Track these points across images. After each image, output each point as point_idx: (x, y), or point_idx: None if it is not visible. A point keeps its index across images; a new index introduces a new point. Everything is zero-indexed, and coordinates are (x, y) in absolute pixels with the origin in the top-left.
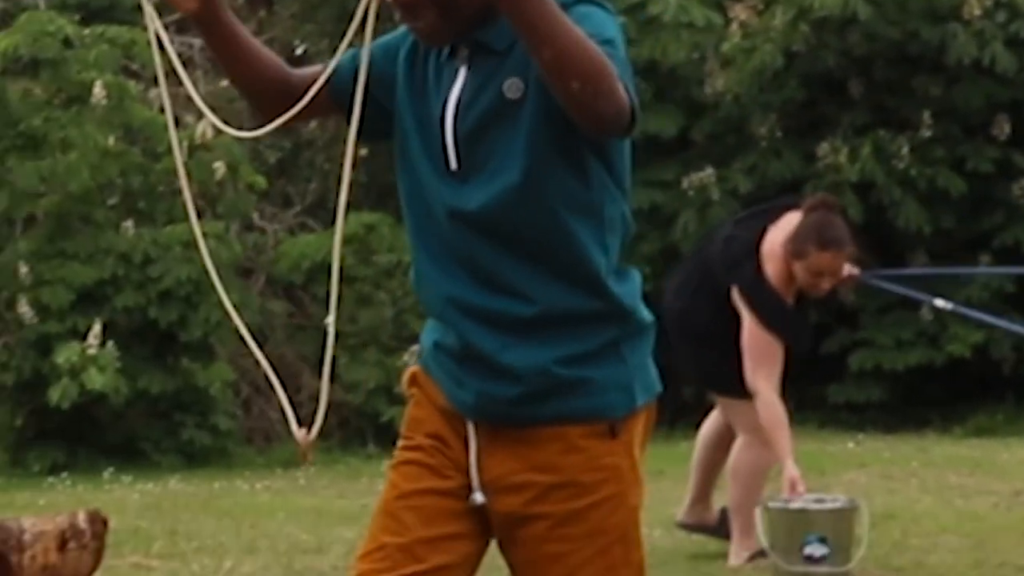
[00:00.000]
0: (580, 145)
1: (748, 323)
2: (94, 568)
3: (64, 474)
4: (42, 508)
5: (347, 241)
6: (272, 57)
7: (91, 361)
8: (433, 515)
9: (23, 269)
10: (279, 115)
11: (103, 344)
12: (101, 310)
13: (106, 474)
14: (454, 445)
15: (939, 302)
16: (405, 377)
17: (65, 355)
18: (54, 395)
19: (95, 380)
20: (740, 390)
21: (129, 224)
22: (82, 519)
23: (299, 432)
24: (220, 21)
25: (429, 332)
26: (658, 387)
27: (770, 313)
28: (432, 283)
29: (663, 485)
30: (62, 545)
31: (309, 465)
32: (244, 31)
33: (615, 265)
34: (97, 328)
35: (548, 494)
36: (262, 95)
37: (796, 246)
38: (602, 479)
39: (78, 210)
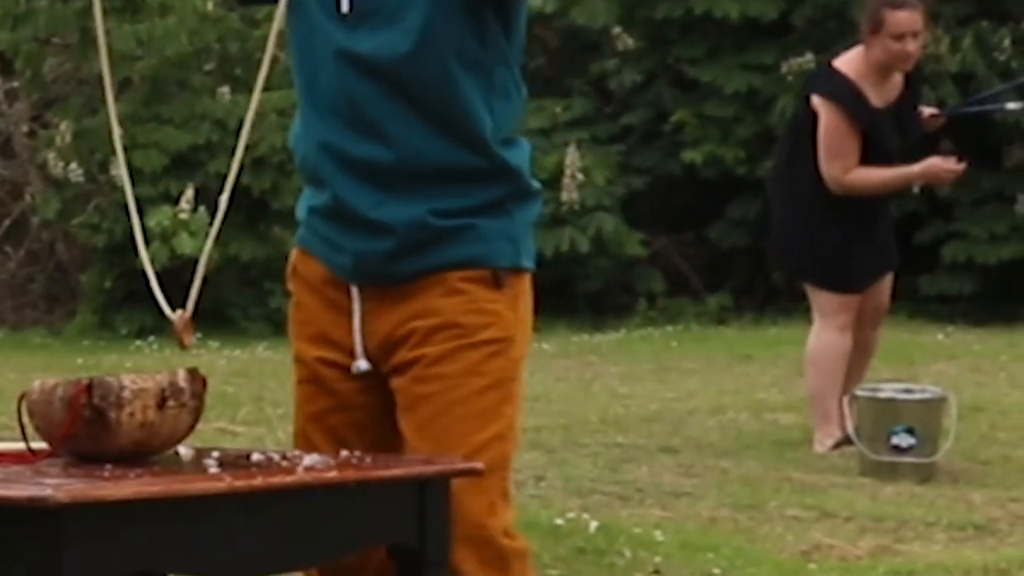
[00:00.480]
0: (484, 3)
1: (824, 117)
2: (192, 427)
3: (151, 338)
4: (128, 371)
5: None
6: None
7: (182, 225)
8: (342, 432)
9: (117, 130)
10: None
11: (195, 209)
12: (194, 175)
13: (194, 339)
14: (340, 334)
15: (1012, 105)
16: (288, 271)
17: (157, 219)
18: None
19: (186, 245)
20: (813, 274)
21: (225, 90)
22: (182, 377)
23: (172, 314)
24: None
25: (304, 202)
26: (534, 259)
27: (845, 99)
28: (310, 131)
29: (751, 369)
30: (161, 403)
31: (189, 348)
32: None
33: (504, 132)
34: (190, 193)
35: (429, 336)
36: None
37: (871, 21)
38: (484, 323)
39: (174, 74)
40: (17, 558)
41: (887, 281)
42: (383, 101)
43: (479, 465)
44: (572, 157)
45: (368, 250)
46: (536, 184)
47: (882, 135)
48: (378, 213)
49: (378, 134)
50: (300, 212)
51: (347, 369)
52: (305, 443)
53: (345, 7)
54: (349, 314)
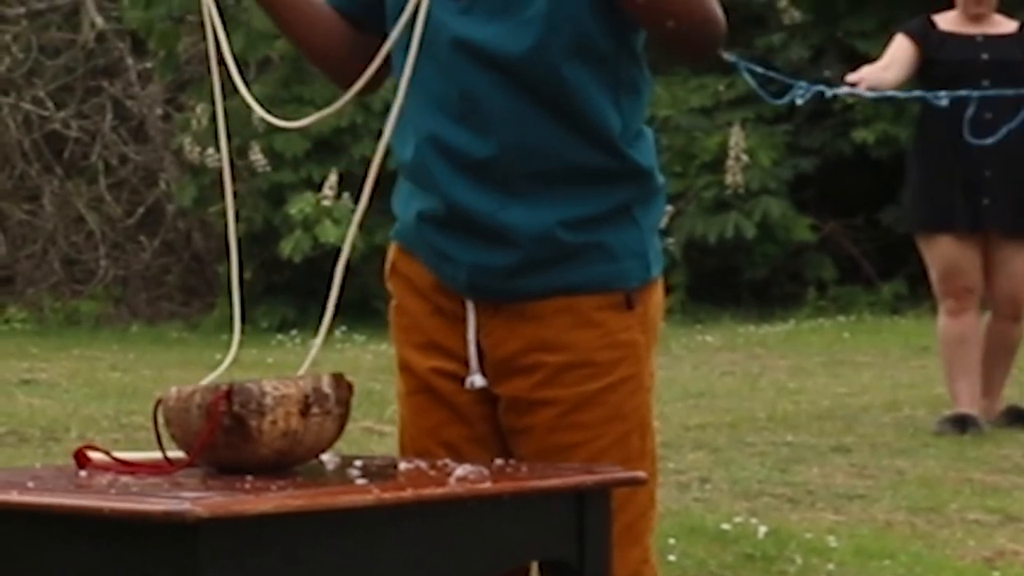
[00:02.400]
0: None
1: None
2: (337, 436)
3: (293, 331)
4: (270, 367)
5: None
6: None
7: (325, 213)
8: (460, 446)
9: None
10: (351, 79)
11: (338, 195)
12: (337, 160)
13: (338, 332)
14: (452, 343)
15: None
16: (386, 268)
17: (298, 206)
18: (286, 248)
19: (329, 233)
20: (909, 220)
21: None
22: (326, 383)
23: None
24: None
25: (408, 201)
26: (662, 260)
27: (911, 24)
28: (414, 126)
29: (928, 361)
30: (305, 410)
31: None
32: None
33: (632, 129)
34: (332, 178)
35: (559, 376)
36: (328, 60)
37: None
38: (619, 358)
39: None
40: (155, 575)
41: (1017, 266)
42: (501, 95)
43: (641, 474)
44: (736, 138)
45: (487, 264)
46: (661, 179)
47: (950, 55)
48: (500, 218)
49: (495, 131)
50: (401, 211)
51: (462, 380)
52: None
53: None
54: (462, 324)
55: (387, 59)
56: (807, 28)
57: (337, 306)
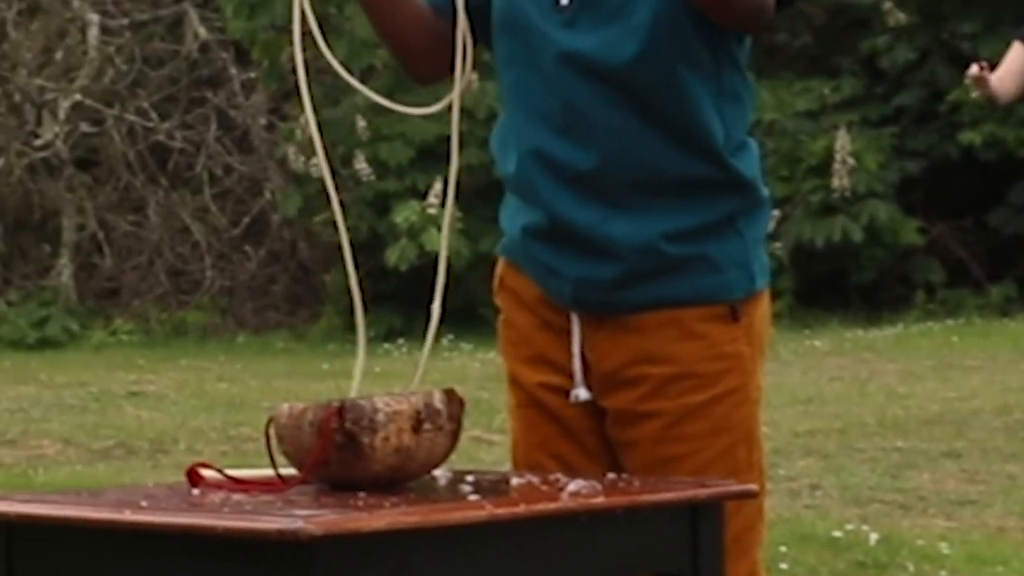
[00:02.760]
0: None
1: None
2: (449, 451)
3: (400, 340)
4: (377, 376)
5: None
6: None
7: (431, 221)
8: (571, 459)
9: (360, 123)
10: (430, 69)
11: (443, 204)
12: (442, 167)
13: (445, 341)
14: (558, 356)
15: None
16: (495, 283)
17: (404, 214)
18: (391, 256)
19: (435, 241)
20: None
21: (474, 77)
22: (438, 399)
23: None
24: None
25: (514, 216)
26: (769, 273)
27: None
28: (519, 138)
29: None
30: (417, 426)
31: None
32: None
33: (736, 139)
34: (438, 187)
35: (664, 388)
36: (410, 50)
37: None
38: (724, 369)
39: None
40: None
41: None
42: (605, 105)
43: (753, 487)
44: (842, 141)
45: (591, 276)
46: (765, 191)
47: None
48: (603, 230)
49: (598, 142)
50: (508, 225)
51: (568, 393)
52: (532, 471)
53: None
54: (567, 335)
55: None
56: (912, 30)
57: (442, 315)
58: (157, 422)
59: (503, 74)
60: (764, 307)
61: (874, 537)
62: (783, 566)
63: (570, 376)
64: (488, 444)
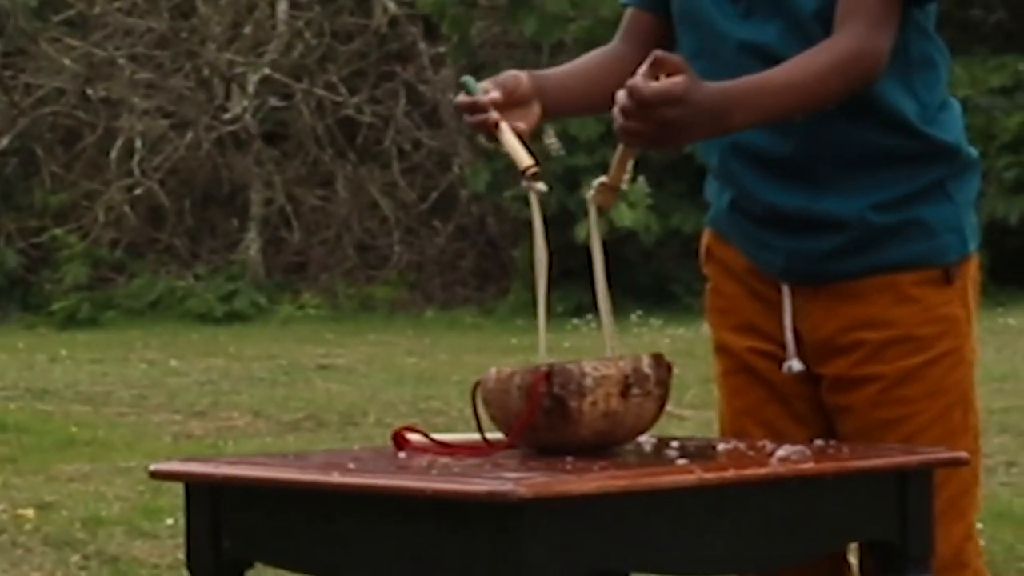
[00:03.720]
0: None
1: None
2: (656, 416)
3: (588, 316)
4: (566, 351)
5: None
6: (609, 68)
7: (620, 196)
8: (779, 424)
9: None
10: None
11: (633, 179)
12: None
13: (634, 316)
14: (770, 326)
15: None
16: (701, 253)
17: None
18: (581, 232)
19: (624, 217)
20: None
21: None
22: (646, 363)
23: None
24: (550, 95)
25: (720, 192)
26: (978, 234)
27: None
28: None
29: None
30: (625, 391)
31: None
32: (574, 77)
33: (932, 106)
34: (628, 163)
35: (881, 352)
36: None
37: None
38: (940, 332)
39: (609, 36)
40: (476, 555)
41: None
42: None
43: (963, 454)
44: None
45: (803, 248)
46: (974, 152)
47: None
48: (814, 210)
49: (792, 128)
50: (714, 199)
51: (779, 361)
52: (739, 438)
53: None
54: (778, 308)
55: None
56: None
57: (632, 291)
58: (347, 395)
59: (686, 52)
60: (975, 270)
61: None
62: (979, 543)
63: (781, 345)
64: (679, 419)
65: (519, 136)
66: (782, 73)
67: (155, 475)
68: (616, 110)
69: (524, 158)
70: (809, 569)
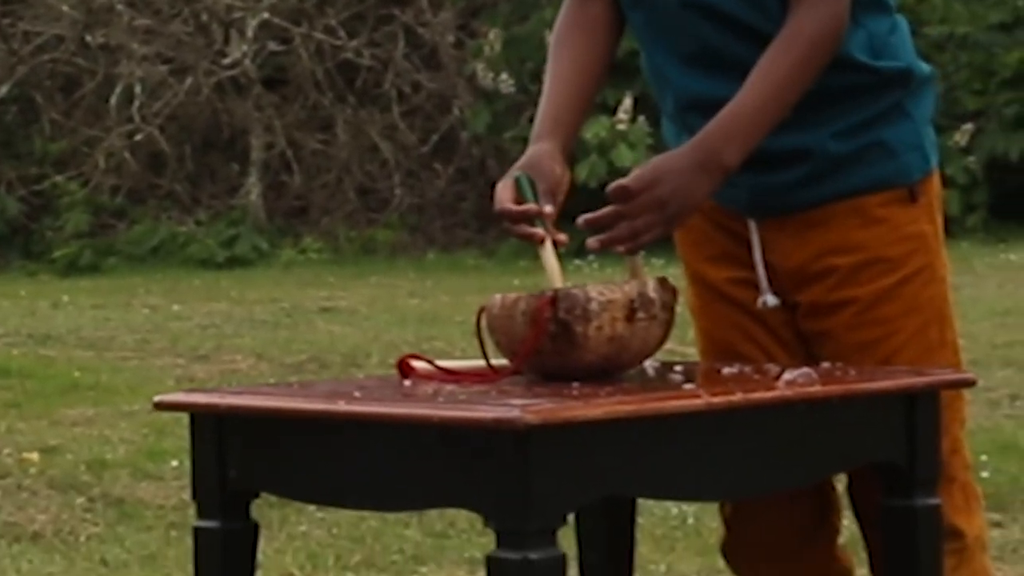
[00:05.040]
0: None
1: None
2: (662, 341)
3: (591, 256)
4: None
5: None
6: (595, 73)
7: (620, 137)
8: (772, 350)
9: (549, 39)
10: None
11: (634, 119)
12: (632, 83)
13: (637, 257)
14: (743, 256)
15: None
16: None
17: (593, 130)
18: (581, 172)
19: (625, 157)
20: None
21: None
22: (652, 288)
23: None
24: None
25: (678, 135)
26: (937, 149)
27: None
28: (674, 82)
29: None
30: (630, 315)
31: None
32: (576, 115)
33: (881, 37)
34: (628, 102)
35: (853, 276)
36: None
37: None
38: (910, 250)
39: None
40: (482, 482)
41: None
42: (737, 41)
43: (971, 376)
44: None
45: (766, 183)
46: (926, 67)
47: None
48: (772, 147)
49: (733, 71)
50: (671, 140)
51: (758, 289)
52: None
53: None
54: (747, 241)
55: None
56: None
57: None
58: (349, 337)
59: (631, 15)
60: (938, 185)
61: None
62: (984, 475)
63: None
64: (682, 357)
65: (557, 253)
66: (752, 92)
67: (159, 406)
68: (593, 224)
69: (557, 281)
70: (795, 492)
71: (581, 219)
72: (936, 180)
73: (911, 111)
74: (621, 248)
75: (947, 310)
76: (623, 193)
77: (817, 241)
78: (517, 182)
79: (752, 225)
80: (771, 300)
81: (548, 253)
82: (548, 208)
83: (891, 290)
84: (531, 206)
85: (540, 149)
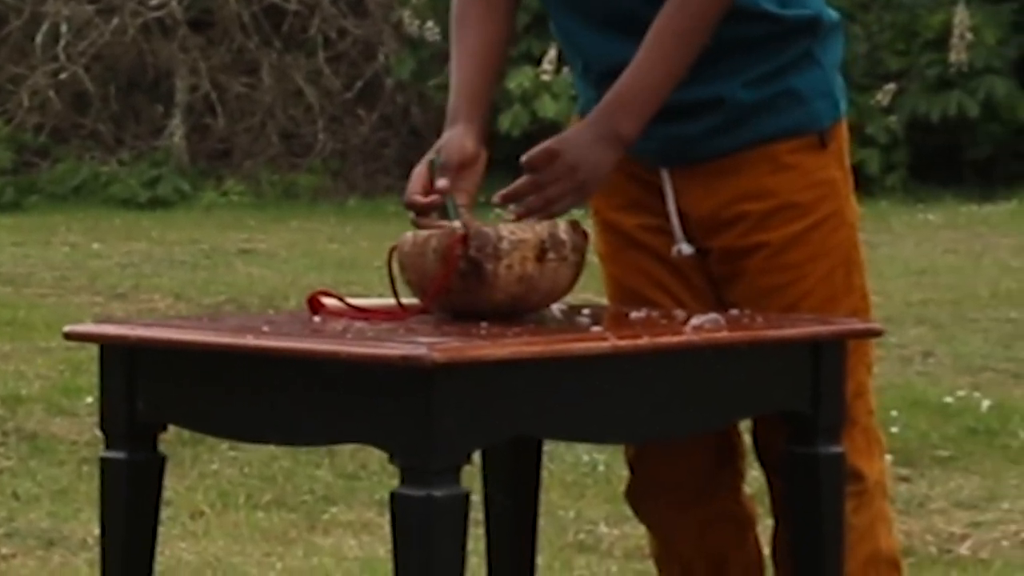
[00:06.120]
0: None
1: None
2: (572, 283)
3: (511, 206)
4: None
5: None
6: (501, 46)
7: (544, 88)
8: (682, 297)
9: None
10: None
11: (558, 70)
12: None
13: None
14: (654, 205)
15: None
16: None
17: (517, 80)
18: (504, 122)
19: (548, 108)
20: None
21: None
22: (563, 229)
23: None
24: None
25: (587, 88)
26: (846, 95)
27: None
28: (586, 48)
29: None
30: (541, 255)
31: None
32: (488, 89)
33: None
34: (552, 53)
35: (765, 221)
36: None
37: None
38: (820, 196)
39: None
40: (388, 419)
41: None
42: (648, 3)
43: (877, 326)
44: (961, 16)
45: (677, 133)
46: (834, 14)
47: None
48: (683, 97)
49: (644, 30)
50: (580, 91)
51: (671, 235)
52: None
53: None
54: (658, 189)
55: None
56: None
57: None
58: (268, 279)
59: None
60: (846, 131)
61: (986, 404)
62: (894, 430)
63: (668, 220)
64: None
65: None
66: (646, 59)
67: (70, 336)
68: (511, 198)
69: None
70: (702, 439)
71: (496, 196)
72: (844, 127)
73: (820, 58)
74: (536, 217)
75: (855, 255)
76: (533, 163)
77: (729, 188)
78: (431, 166)
79: (664, 174)
80: (686, 248)
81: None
82: (462, 200)
83: (801, 235)
84: (435, 197)
85: (457, 132)
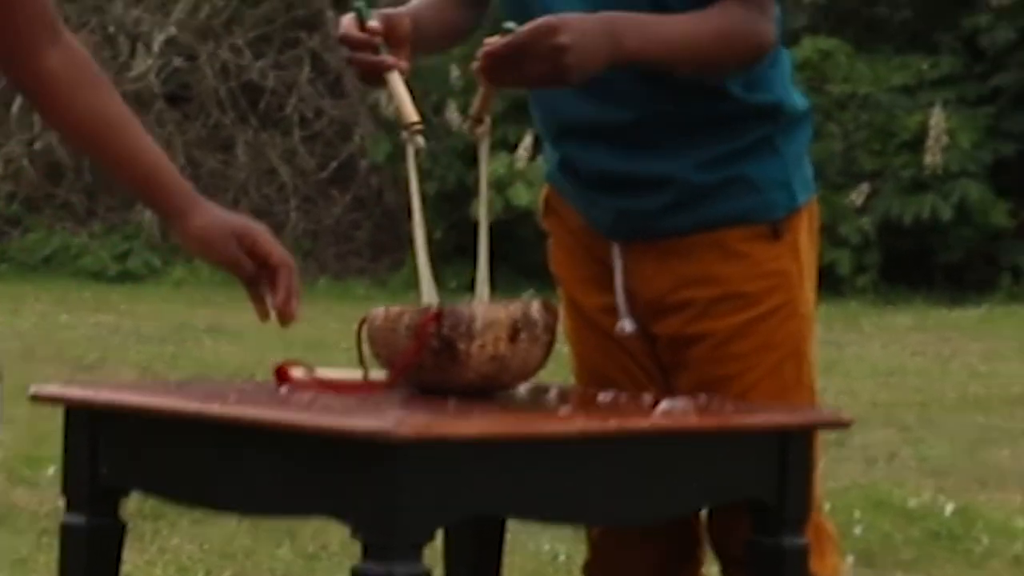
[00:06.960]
0: None
1: None
2: (542, 363)
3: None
4: None
5: (799, 67)
6: (458, 17)
7: (519, 175)
8: (641, 381)
9: (454, 72)
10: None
11: (533, 158)
12: (533, 121)
13: (525, 296)
14: (608, 283)
15: None
16: (540, 207)
17: (492, 167)
18: (477, 209)
19: (521, 196)
20: None
21: None
22: (535, 309)
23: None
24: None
25: (552, 152)
26: (814, 185)
27: None
28: (558, 103)
29: None
30: (513, 336)
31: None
32: (429, 24)
33: (762, 67)
34: (528, 140)
35: (710, 309)
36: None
37: None
38: (769, 287)
39: None
40: (352, 492)
41: None
42: (620, 73)
43: (846, 417)
44: (937, 118)
45: (630, 207)
46: (803, 102)
47: None
48: (636, 172)
49: (615, 96)
50: (546, 157)
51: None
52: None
53: None
54: (609, 269)
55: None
56: (1015, 10)
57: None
58: (235, 356)
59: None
60: (808, 219)
61: (950, 508)
62: (856, 531)
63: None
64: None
65: (408, 86)
66: (675, 21)
67: (36, 398)
68: (493, 56)
69: (411, 112)
70: (664, 526)
71: (482, 49)
72: (806, 215)
73: (780, 147)
74: (505, 82)
75: (806, 348)
76: (526, 33)
77: (677, 271)
78: (357, 10)
79: (616, 249)
80: (628, 326)
81: (396, 83)
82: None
83: (747, 326)
84: (373, 36)
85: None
